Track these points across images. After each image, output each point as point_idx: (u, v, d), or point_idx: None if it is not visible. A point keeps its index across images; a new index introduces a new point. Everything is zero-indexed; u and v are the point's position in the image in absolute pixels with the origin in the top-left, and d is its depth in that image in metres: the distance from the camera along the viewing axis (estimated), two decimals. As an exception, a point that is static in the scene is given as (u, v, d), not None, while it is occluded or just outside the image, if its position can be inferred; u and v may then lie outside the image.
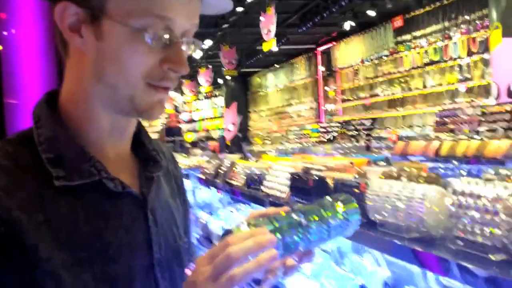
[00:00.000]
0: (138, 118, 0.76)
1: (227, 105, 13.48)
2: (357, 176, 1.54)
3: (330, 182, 1.61)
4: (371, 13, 7.86)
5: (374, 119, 6.52)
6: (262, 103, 14.11)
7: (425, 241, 1.14)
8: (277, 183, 2.03)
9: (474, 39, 6.89)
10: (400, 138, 6.18)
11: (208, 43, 9.46)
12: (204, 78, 11.91)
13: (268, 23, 7.05)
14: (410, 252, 1.14)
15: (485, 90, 6.73)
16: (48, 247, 0.64)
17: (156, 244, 0.76)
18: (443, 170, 2.12)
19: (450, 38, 7.30)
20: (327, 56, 10.70)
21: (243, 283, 0.59)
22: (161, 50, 0.68)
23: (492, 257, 0.93)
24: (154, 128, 14.43)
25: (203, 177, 3.27)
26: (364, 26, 9.01)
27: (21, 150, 0.70)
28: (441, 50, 7.48)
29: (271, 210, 0.71)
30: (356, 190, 1.39)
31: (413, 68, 8.11)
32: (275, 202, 1.95)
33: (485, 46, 6.60)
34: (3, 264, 0.62)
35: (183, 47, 0.70)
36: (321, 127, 7.73)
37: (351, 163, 1.88)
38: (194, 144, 11.09)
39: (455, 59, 7.24)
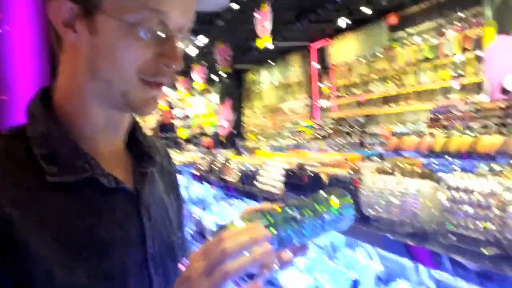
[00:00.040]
0: (131, 113, 0.76)
1: (221, 101, 13.46)
2: (351, 172, 1.55)
3: (324, 177, 1.61)
4: (366, 10, 7.86)
5: (368, 116, 6.53)
6: (256, 99, 14.10)
7: (418, 236, 1.15)
8: (272, 179, 2.03)
9: (468, 36, 6.92)
10: (393, 134, 6.20)
11: (202, 40, 9.42)
12: (198, 74, 11.87)
13: (263, 20, 7.04)
14: (402, 246, 1.15)
15: (478, 87, 6.77)
16: (40, 244, 0.64)
17: (150, 240, 0.76)
18: (437, 165, 2.13)
19: (444, 35, 7.32)
20: (322, 53, 10.70)
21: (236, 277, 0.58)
22: (156, 45, 0.67)
23: (485, 251, 0.94)
24: (148, 124, 14.39)
25: (197, 173, 3.27)
26: (358, 23, 9.01)
27: (14, 145, 0.70)
28: (436, 47, 7.50)
29: (265, 205, 0.71)
30: (350, 186, 1.39)
31: (407, 65, 8.13)
32: (269, 198, 1.95)
33: (479, 43, 6.63)
34: None
35: (178, 42, 0.69)
36: (315, 123, 7.73)
37: (345, 159, 1.88)
38: (188, 140, 11.07)
39: (449, 56, 7.27)
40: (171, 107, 18.20)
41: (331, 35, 10.09)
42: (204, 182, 3.16)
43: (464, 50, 6.94)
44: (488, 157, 3.09)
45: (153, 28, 0.66)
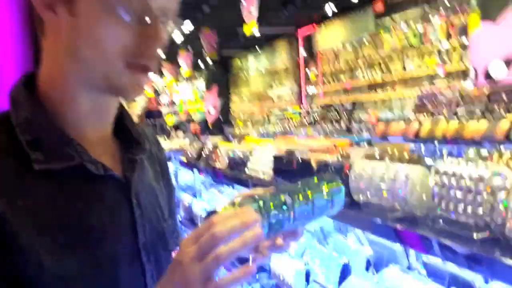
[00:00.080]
0: (118, 99, 0.74)
1: (208, 88, 13.37)
2: (340, 158, 1.55)
3: (313, 163, 1.62)
4: (353, -4, 7.83)
5: (354, 102, 6.56)
6: (244, 86, 14.04)
7: (408, 221, 1.16)
8: (261, 165, 2.03)
9: (453, 23, 6.96)
10: (379, 120, 6.25)
11: (188, 25, 9.30)
12: (184, 60, 11.75)
13: (250, 6, 6.97)
14: (392, 230, 1.16)
15: (464, 74, 6.84)
16: (28, 233, 0.62)
17: (140, 228, 0.75)
18: (425, 151, 2.15)
19: (429, 22, 7.36)
20: (308, 40, 10.67)
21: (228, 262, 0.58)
22: (138, 26, 0.65)
23: (474, 235, 0.95)
24: (133, 110, 14.23)
25: (185, 159, 3.25)
26: (345, 10, 8.99)
27: None
28: (421, 34, 7.53)
29: (256, 191, 0.70)
30: (340, 171, 1.40)
31: (393, 51, 8.17)
32: (259, 184, 1.95)
33: (463, 30, 6.68)
34: None
35: (161, 24, 0.67)
36: (302, 110, 7.74)
37: (334, 145, 1.89)
38: (177, 127, 10.99)
39: (434, 42, 7.32)
40: (158, 94, 18.04)
41: (318, 21, 10.05)
42: (192, 169, 3.15)
43: (449, 37, 6.99)
44: (474, 142, 3.14)
45: (135, 8, 0.64)
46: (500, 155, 1.12)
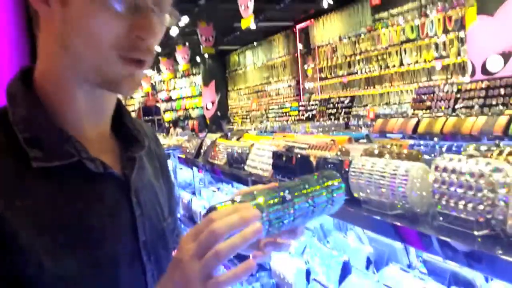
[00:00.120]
0: (110, 92, 0.72)
1: (205, 83, 13.33)
2: (339, 154, 1.55)
3: (313, 160, 1.61)
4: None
5: (352, 97, 6.55)
6: (241, 81, 14.01)
7: (408, 218, 1.16)
8: (260, 162, 2.02)
9: (450, 16, 6.95)
10: (377, 115, 6.25)
11: (184, 19, 9.25)
12: (181, 55, 11.70)
13: (247, 0, 6.93)
14: (392, 228, 1.16)
15: (460, 68, 6.84)
16: (28, 233, 0.62)
17: (141, 227, 0.74)
18: (423, 147, 2.16)
19: (426, 15, 7.34)
20: (305, 34, 10.64)
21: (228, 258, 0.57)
22: (130, 17, 0.64)
23: (475, 232, 0.95)
24: (130, 107, 14.20)
25: (184, 157, 3.24)
26: (341, 3, 8.97)
27: None
28: (418, 27, 7.52)
29: (257, 187, 0.70)
30: (340, 168, 1.39)
31: (390, 45, 8.15)
32: (258, 181, 1.94)
33: (460, 24, 6.67)
34: None
35: (154, 15, 0.66)
36: (300, 105, 7.72)
37: (333, 141, 1.88)
38: (175, 123, 10.96)
39: (431, 36, 7.31)
40: (155, 90, 17.99)
41: (315, 16, 10.02)
42: (191, 166, 3.14)
43: (447, 31, 6.99)
44: (472, 138, 3.14)
45: None
46: (500, 151, 1.12)
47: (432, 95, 4.50)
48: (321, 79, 10.16)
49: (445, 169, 1.06)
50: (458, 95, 4.20)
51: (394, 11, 8.03)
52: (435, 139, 2.51)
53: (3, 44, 1.60)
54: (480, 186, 0.96)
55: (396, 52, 8.05)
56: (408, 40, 7.74)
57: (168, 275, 0.60)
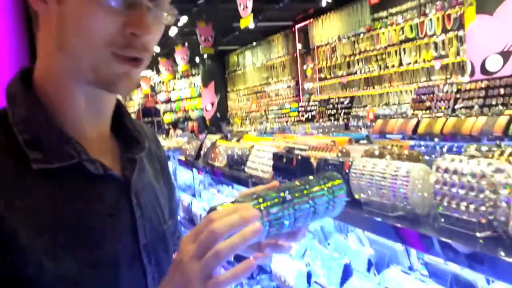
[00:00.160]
0: (107, 91, 0.71)
1: (205, 84, 13.33)
2: (340, 155, 1.54)
3: (313, 161, 1.61)
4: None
5: (351, 98, 6.55)
6: (240, 82, 14.01)
7: (409, 219, 1.15)
8: (260, 163, 2.02)
9: (449, 16, 6.95)
10: (377, 116, 6.24)
11: (183, 19, 9.26)
12: (180, 56, 11.70)
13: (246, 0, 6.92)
14: (393, 229, 1.15)
15: (460, 67, 6.84)
16: (28, 233, 0.62)
17: (141, 228, 0.74)
18: (423, 147, 2.15)
19: (425, 15, 7.35)
20: (304, 34, 10.64)
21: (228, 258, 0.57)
22: (125, 14, 0.64)
23: (477, 234, 0.95)
24: (129, 109, 14.20)
25: (184, 158, 3.24)
26: (341, 2, 8.98)
27: None
28: (417, 27, 7.53)
29: (258, 188, 0.69)
30: (340, 169, 1.39)
31: (389, 45, 8.16)
32: (258, 182, 1.94)
33: (459, 23, 6.67)
34: None
35: (149, 12, 0.65)
36: (300, 106, 7.72)
37: (333, 142, 1.87)
38: (174, 124, 10.95)
39: (430, 36, 7.31)
40: (154, 91, 17.99)
41: (314, 15, 10.03)
42: (191, 168, 3.14)
43: (446, 30, 6.99)
44: (472, 139, 3.14)
45: None
46: (502, 151, 1.11)
47: (431, 95, 4.50)
48: (321, 79, 10.16)
49: (446, 170, 1.05)
50: (458, 95, 4.20)
51: (393, 10, 8.04)
52: (436, 139, 2.51)
53: (2, 44, 1.60)
54: (482, 187, 0.95)
55: (396, 52, 8.05)
56: (407, 40, 7.75)
57: (168, 277, 0.60)
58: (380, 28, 8.30)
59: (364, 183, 1.28)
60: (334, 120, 6.07)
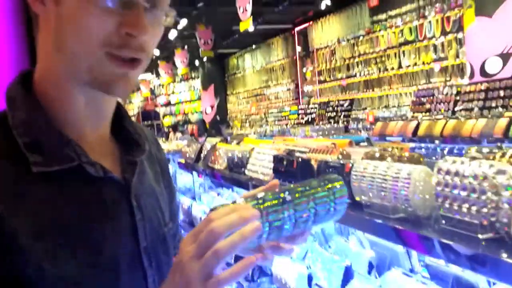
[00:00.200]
0: (104, 93, 0.70)
1: (204, 87, 13.34)
2: (340, 157, 1.54)
3: (314, 163, 1.60)
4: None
5: (351, 100, 6.56)
6: (240, 85, 14.02)
7: (411, 221, 1.15)
8: (261, 166, 2.01)
9: (448, 18, 6.97)
10: (376, 119, 6.25)
11: (183, 22, 9.27)
12: (180, 59, 11.71)
13: (245, 2, 6.93)
14: (395, 232, 1.15)
15: (459, 70, 6.85)
16: (27, 235, 0.61)
17: (141, 231, 0.74)
18: (424, 150, 2.15)
19: (424, 17, 7.36)
20: (304, 36, 10.66)
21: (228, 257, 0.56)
22: (121, 14, 0.63)
23: (479, 236, 0.94)
24: (129, 112, 14.17)
25: (183, 161, 3.23)
26: (340, 5, 9.00)
27: None
28: (416, 29, 7.54)
29: (259, 189, 0.69)
30: (341, 171, 1.39)
31: (388, 48, 8.17)
32: (258, 185, 1.93)
33: (458, 25, 6.69)
34: None
35: (146, 12, 0.65)
36: (299, 108, 7.73)
37: (334, 144, 1.87)
38: (174, 127, 10.96)
39: (430, 38, 7.32)
40: (154, 94, 18.01)
41: (313, 18, 10.05)
42: (191, 171, 3.13)
43: (445, 32, 7.00)
44: (472, 141, 3.14)
45: None
46: (503, 153, 1.11)
47: (431, 97, 4.51)
48: (320, 82, 10.17)
49: (448, 172, 1.05)
50: (458, 97, 4.20)
51: (392, 12, 8.06)
52: (436, 141, 2.51)
53: (2, 47, 1.60)
54: (483, 189, 0.95)
55: (395, 54, 8.06)
56: (406, 42, 7.76)
57: (169, 279, 0.60)
58: (380, 30, 8.32)
59: (365, 185, 1.27)
60: (334, 123, 6.08)
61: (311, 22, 10.24)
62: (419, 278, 1.45)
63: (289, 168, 1.72)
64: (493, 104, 3.82)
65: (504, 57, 4.59)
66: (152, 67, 14.16)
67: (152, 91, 17.93)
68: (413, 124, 3.84)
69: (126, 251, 0.71)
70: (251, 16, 7.03)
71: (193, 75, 15.59)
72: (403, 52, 7.87)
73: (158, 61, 13.20)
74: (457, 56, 6.87)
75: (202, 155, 2.89)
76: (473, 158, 1.06)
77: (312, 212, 0.66)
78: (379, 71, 8.46)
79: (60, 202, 0.65)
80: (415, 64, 7.67)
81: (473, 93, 4.07)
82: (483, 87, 4.00)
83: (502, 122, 3.09)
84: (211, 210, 0.61)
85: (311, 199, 0.65)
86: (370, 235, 1.67)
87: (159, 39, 0.71)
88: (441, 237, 1.01)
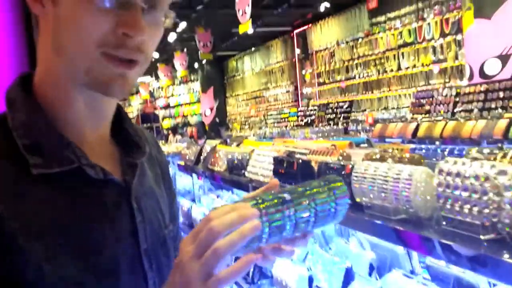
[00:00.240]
0: (102, 95, 0.69)
1: (204, 89, 13.35)
2: (341, 159, 1.54)
3: (314, 165, 1.60)
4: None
5: (350, 102, 6.57)
6: (239, 87, 14.03)
7: (412, 223, 1.15)
8: (261, 167, 2.01)
9: (447, 20, 6.98)
10: (376, 120, 6.25)
11: (182, 25, 9.28)
12: (179, 61, 11.72)
13: (244, 4, 6.94)
14: (396, 233, 1.14)
15: (458, 71, 6.86)
16: (27, 239, 0.61)
17: (142, 234, 0.73)
18: (424, 151, 2.15)
19: (423, 19, 7.38)
20: (303, 39, 10.68)
21: (228, 256, 0.56)
22: (118, 14, 0.63)
23: (481, 236, 0.94)
24: (128, 115, 14.17)
25: (183, 163, 3.23)
26: (339, 7, 9.02)
27: None
28: (415, 31, 7.56)
29: (259, 191, 0.69)
30: (342, 173, 1.38)
31: (387, 50, 8.18)
32: (258, 187, 1.93)
33: (457, 27, 6.70)
34: None
35: (144, 13, 0.64)
36: (299, 110, 7.74)
37: (334, 145, 1.87)
38: (174, 130, 10.96)
39: (429, 40, 7.34)
40: (153, 97, 18.02)
41: (312, 20, 10.07)
42: (191, 173, 3.13)
43: (444, 34, 7.02)
44: (471, 142, 3.14)
45: None
46: (505, 153, 1.11)
47: (431, 99, 4.51)
48: (319, 84, 10.18)
49: (449, 173, 1.04)
50: (457, 99, 4.21)
51: (391, 14, 8.07)
52: (437, 143, 2.50)
53: (3, 50, 1.60)
54: (485, 189, 0.95)
55: (394, 56, 8.08)
56: (405, 44, 7.78)
57: (169, 280, 0.59)
58: (379, 32, 8.33)
59: (366, 186, 1.27)
60: (333, 125, 6.08)
61: (310, 25, 10.25)
62: (420, 280, 1.45)
63: (290, 170, 1.71)
64: (493, 106, 3.82)
65: (503, 58, 4.59)
66: (152, 70, 14.17)
67: (151, 94, 17.93)
68: (413, 125, 3.85)
69: (126, 253, 0.70)
70: (250, 19, 7.03)
71: (192, 78, 15.60)
72: (402, 54, 7.89)
73: (158, 64, 13.21)
74: (456, 58, 6.89)
75: (201, 157, 2.89)
76: (475, 159, 1.05)
77: (313, 212, 0.65)
78: (378, 73, 8.47)
79: (60, 204, 0.65)
80: (414, 66, 7.68)
81: (473, 94, 4.08)
82: (482, 88, 4.01)
83: (502, 123, 3.10)
84: (211, 211, 0.61)
85: (311, 199, 0.65)
86: (370, 237, 1.67)
87: (158, 41, 0.71)
88: (442, 238, 1.01)
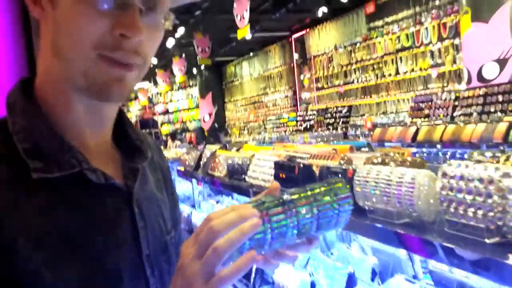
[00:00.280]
0: (100, 99, 0.69)
1: (202, 95, 13.36)
2: (342, 163, 1.53)
3: (315, 169, 1.59)
4: (344, -1, 7.88)
5: (349, 107, 6.58)
6: (238, 92, 14.05)
7: (416, 226, 1.14)
8: (261, 172, 2.00)
9: (444, 24, 7.01)
10: (375, 125, 6.25)
11: (180, 30, 9.30)
12: (177, 67, 11.73)
13: (242, 10, 6.96)
14: (400, 237, 1.13)
15: (456, 75, 6.88)
16: (27, 244, 0.60)
17: (144, 240, 0.72)
18: (426, 154, 2.14)
19: (421, 23, 7.41)
20: (301, 44, 10.71)
21: (228, 255, 0.55)
22: (115, 15, 0.62)
23: (486, 240, 0.93)
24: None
25: (182, 169, 3.22)
26: (337, 12, 9.05)
27: None
28: (413, 35, 7.58)
29: (260, 195, 0.68)
30: (344, 177, 1.37)
31: (385, 54, 8.21)
32: (259, 191, 1.91)
33: (455, 31, 6.73)
34: None
35: (141, 14, 0.64)
36: (298, 115, 7.74)
37: (335, 150, 1.86)
38: (173, 135, 10.96)
39: (426, 44, 7.36)
40: (152, 102, 18.03)
41: (310, 25, 10.10)
42: (191, 179, 3.12)
43: (442, 38, 7.04)
44: (471, 146, 3.14)
45: None
46: (508, 156, 1.10)
47: (430, 103, 4.51)
48: (318, 89, 10.20)
49: (453, 176, 1.04)
50: (456, 103, 4.21)
51: (389, 19, 8.11)
52: (438, 146, 2.50)
53: (3, 54, 1.59)
54: (489, 192, 0.94)
55: (392, 60, 8.10)
56: (403, 49, 7.80)
57: (171, 284, 0.59)
58: (376, 37, 8.36)
59: (368, 190, 1.26)
60: (332, 129, 6.08)
61: (308, 30, 10.29)
62: (423, 284, 1.43)
63: (291, 174, 1.70)
64: (492, 109, 3.83)
65: (501, 62, 4.61)
66: (150, 76, 14.19)
67: (150, 100, 17.94)
68: (412, 129, 3.84)
69: (128, 259, 0.70)
70: (249, 24, 7.05)
71: (191, 83, 15.61)
72: (400, 58, 7.91)
73: (156, 70, 13.22)
74: (454, 62, 6.91)
75: (201, 163, 2.88)
76: (478, 162, 1.05)
77: (315, 212, 0.64)
78: (377, 78, 8.49)
79: (60, 209, 0.64)
80: (412, 70, 7.70)
81: (472, 98, 4.08)
82: (481, 92, 4.01)
83: (502, 127, 3.09)
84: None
85: (312, 200, 0.64)
86: (372, 242, 1.66)
87: (157, 44, 0.70)
88: (446, 242, 1.00)
